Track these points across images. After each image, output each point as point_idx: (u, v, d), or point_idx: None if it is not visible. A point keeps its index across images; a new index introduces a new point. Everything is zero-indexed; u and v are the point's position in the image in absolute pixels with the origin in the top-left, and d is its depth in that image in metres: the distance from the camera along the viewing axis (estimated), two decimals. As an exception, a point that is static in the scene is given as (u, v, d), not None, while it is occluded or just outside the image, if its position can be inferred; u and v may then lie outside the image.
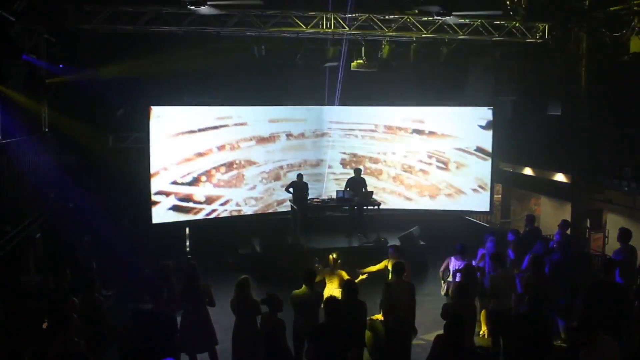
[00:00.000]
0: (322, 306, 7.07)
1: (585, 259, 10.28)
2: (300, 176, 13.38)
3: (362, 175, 13.61)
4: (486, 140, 14.29)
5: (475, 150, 14.41)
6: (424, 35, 12.73)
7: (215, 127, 13.49)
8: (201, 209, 13.40)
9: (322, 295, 7.28)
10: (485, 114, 14.31)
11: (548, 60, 13.57)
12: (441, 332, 5.87)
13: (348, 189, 13.33)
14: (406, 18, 12.35)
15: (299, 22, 12.15)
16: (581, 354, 5.61)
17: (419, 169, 14.80)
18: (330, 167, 14.95)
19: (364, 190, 13.36)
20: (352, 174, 13.68)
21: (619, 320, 6.93)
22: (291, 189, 13.22)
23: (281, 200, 14.26)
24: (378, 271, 9.35)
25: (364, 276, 9.10)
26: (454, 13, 11.69)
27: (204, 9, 10.26)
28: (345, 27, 12.37)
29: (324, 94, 14.47)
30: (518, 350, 6.39)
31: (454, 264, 9.35)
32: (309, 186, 13.54)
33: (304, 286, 7.26)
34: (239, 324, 7.14)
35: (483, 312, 8.93)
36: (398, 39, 13.11)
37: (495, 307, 7.99)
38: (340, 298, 7.16)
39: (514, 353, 6.51)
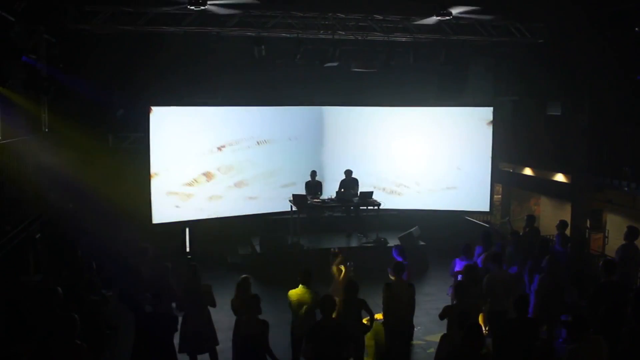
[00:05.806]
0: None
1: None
2: (313, 173, 13.48)
3: (353, 176, 13.59)
4: (486, 140, 14.30)
5: (475, 150, 14.41)
6: (423, 36, 12.71)
7: (215, 127, 13.50)
8: (201, 209, 13.40)
9: (319, 295, 7.28)
10: (485, 114, 14.32)
11: (548, 60, 13.57)
12: (445, 332, 5.87)
13: (342, 190, 13.33)
14: (405, 19, 12.35)
15: (299, 23, 12.15)
16: (568, 347, 5.64)
17: (419, 169, 14.80)
18: (329, 167, 14.93)
19: (359, 191, 13.37)
20: (351, 174, 13.66)
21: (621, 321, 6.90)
22: (304, 192, 13.26)
23: (281, 200, 14.24)
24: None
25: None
26: (453, 13, 11.67)
27: (207, 7, 10.19)
28: (345, 27, 12.36)
29: (323, 94, 14.45)
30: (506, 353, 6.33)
31: (458, 265, 9.29)
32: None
33: (300, 286, 7.25)
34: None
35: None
36: (398, 40, 13.11)
37: (492, 308, 7.97)
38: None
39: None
